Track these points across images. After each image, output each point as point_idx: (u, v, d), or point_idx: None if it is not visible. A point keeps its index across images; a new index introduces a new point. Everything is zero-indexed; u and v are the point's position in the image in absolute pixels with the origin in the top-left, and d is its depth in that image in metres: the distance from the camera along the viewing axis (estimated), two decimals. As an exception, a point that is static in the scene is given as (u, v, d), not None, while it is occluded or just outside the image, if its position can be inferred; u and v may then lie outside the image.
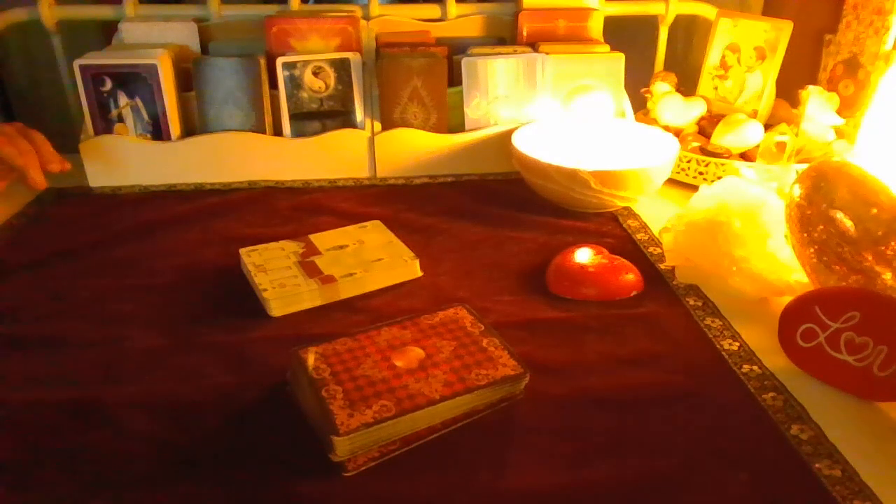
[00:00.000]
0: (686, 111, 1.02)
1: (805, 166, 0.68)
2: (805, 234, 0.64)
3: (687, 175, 0.96)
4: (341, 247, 0.76)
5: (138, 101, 0.95)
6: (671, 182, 0.94)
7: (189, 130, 0.99)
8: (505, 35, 1.10)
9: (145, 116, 0.95)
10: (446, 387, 0.52)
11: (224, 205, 0.91)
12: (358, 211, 0.89)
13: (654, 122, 1.03)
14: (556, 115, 1.03)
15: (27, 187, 0.74)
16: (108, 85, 0.94)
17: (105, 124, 0.96)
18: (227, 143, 0.97)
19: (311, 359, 0.55)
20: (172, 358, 0.61)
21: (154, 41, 1.01)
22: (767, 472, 0.49)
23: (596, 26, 1.09)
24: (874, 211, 0.60)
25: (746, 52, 1.02)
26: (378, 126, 1.00)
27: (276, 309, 0.67)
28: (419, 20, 1.08)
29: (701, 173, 0.95)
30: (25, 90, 1.36)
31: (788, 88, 1.00)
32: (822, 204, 0.62)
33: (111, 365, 0.60)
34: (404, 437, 0.50)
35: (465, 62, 0.98)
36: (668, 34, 1.16)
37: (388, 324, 0.60)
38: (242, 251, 0.74)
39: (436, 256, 0.78)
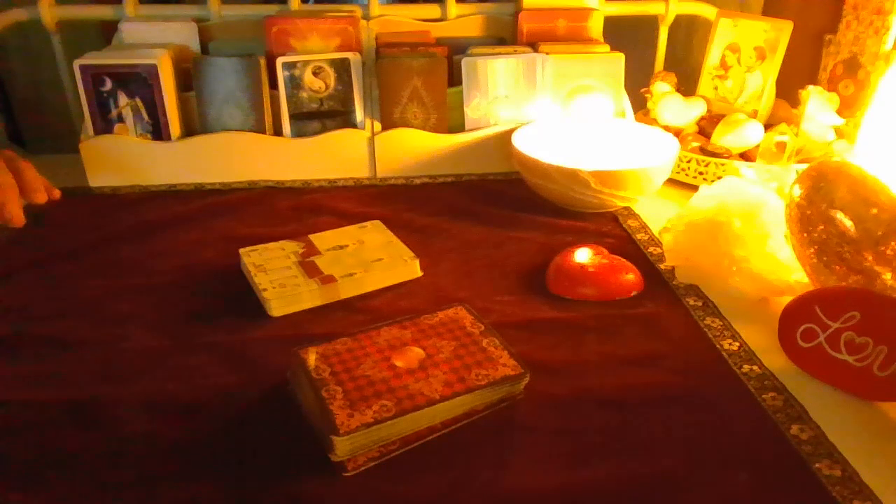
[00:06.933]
0: (686, 111, 1.02)
1: (805, 166, 0.68)
2: (805, 234, 0.64)
3: (687, 175, 0.96)
4: (341, 247, 0.76)
5: (138, 101, 0.95)
6: (671, 182, 0.94)
7: (189, 130, 0.99)
8: (505, 35, 1.10)
9: (145, 116, 0.95)
10: (446, 387, 0.52)
11: (224, 205, 0.91)
12: (358, 211, 0.89)
13: (654, 122, 1.03)
14: (556, 115, 1.03)
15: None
16: (108, 85, 0.94)
17: (105, 124, 0.96)
18: (227, 143, 0.97)
19: (311, 359, 0.55)
20: (172, 358, 0.61)
21: (154, 41, 1.00)
22: (767, 472, 0.49)
23: (596, 26, 1.09)
24: (874, 211, 0.59)
25: (746, 52, 1.02)
26: (378, 126, 1.00)
27: (276, 309, 0.67)
28: (419, 20, 1.08)
29: (701, 173, 0.95)
30: (25, 90, 1.36)
31: (788, 88, 1.00)
32: (822, 204, 0.62)
33: (111, 365, 0.60)
34: (404, 437, 0.50)
35: (465, 62, 0.98)
36: (668, 34, 1.16)
37: (388, 324, 0.60)
38: (242, 251, 0.74)
39: (436, 256, 0.78)
